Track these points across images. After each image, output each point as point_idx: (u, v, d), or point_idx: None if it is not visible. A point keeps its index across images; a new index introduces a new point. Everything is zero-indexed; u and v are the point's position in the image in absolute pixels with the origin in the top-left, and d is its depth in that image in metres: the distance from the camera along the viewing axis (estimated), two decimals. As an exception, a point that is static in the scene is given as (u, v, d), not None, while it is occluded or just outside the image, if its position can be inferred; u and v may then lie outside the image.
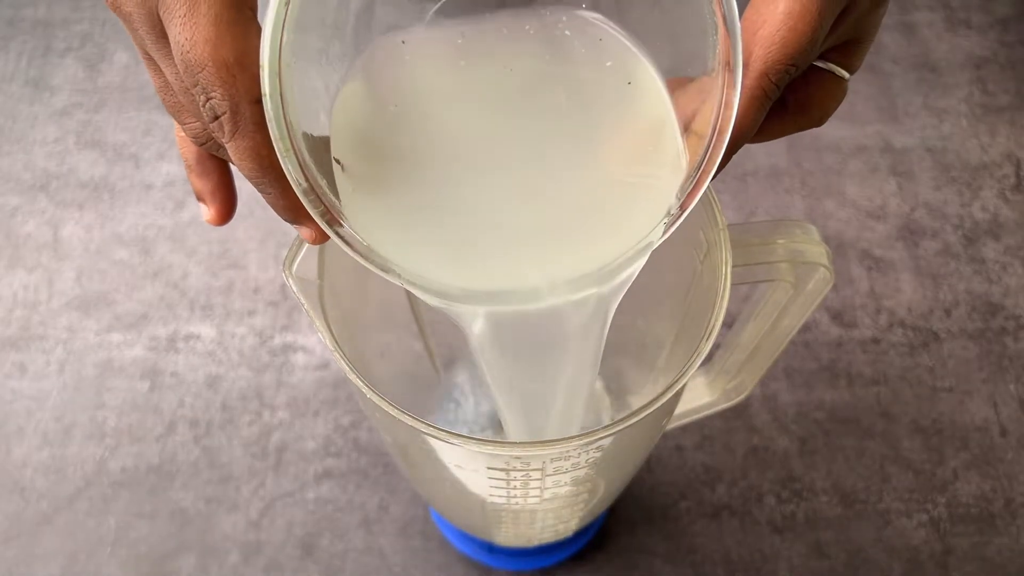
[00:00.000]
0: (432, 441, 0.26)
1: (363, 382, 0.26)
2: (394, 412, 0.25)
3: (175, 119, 0.23)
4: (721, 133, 0.20)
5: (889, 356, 0.54)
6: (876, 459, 0.50)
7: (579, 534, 0.47)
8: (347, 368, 0.26)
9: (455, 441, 0.25)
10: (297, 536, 0.48)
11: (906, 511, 0.49)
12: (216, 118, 0.19)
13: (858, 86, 0.64)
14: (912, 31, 0.67)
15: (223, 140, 0.20)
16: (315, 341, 0.54)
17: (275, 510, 0.49)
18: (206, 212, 0.25)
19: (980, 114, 0.63)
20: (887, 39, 0.66)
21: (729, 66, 0.19)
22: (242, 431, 0.52)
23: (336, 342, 0.27)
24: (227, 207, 0.25)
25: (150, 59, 0.22)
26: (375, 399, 0.25)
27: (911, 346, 0.54)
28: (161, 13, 0.19)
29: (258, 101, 0.19)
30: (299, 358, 0.54)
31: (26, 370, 0.54)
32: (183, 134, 0.24)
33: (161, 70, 0.21)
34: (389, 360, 0.42)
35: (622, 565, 0.48)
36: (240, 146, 0.20)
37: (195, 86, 0.19)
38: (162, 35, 0.20)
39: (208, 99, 0.19)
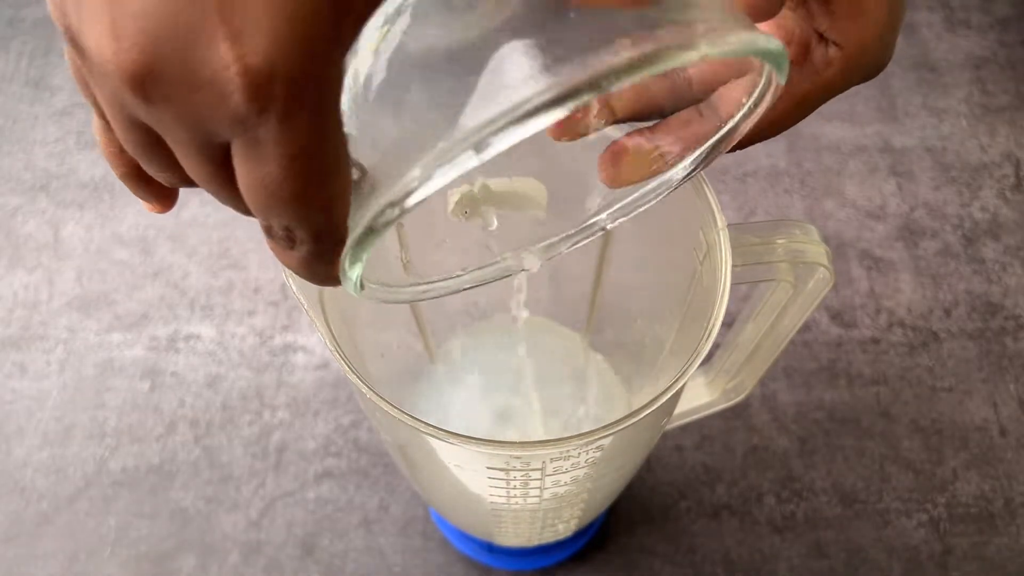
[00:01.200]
0: (432, 441, 0.26)
1: (363, 382, 0.26)
2: (394, 412, 0.25)
3: (138, 159, 0.17)
4: (743, 131, 0.23)
5: (889, 356, 0.54)
6: (876, 459, 0.50)
7: (579, 534, 0.47)
8: (347, 368, 0.26)
9: (455, 441, 0.25)
10: (297, 536, 0.48)
11: (906, 511, 0.49)
12: (290, 241, 0.17)
13: (858, 86, 0.64)
14: (912, 31, 0.67)
15: (283, 256, 0.18)
16: (315, 341, 0.54)
17: (275, 510, 0.49)
18: (147, 206, 0.22)
19: (980, 114, 0.63)
20: (887, 39, 0.66)
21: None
22: (242, 431, 0.52)
23: (336, 342, 0.27)
24: (170, 200, 0.22)
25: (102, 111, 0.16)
26: (375, 399, 0.25)
27: (911, 346, 0.54)
28: (234, 149, 0.15)
29: (342, 241, 0.17)
30: (299, 358, 0.54)
31: (26, 370, 0.54)
32: (114, 148, 0.19)
33: (117, 120, 0.16)
34: (389, 360, 0.42)
35: (622, 565, 0.48)
36: (313, 271, 0.18)
37: (264, 214, 0.16)
38: (207, 142, 0.15)
39: (286, 231, 0.16)
